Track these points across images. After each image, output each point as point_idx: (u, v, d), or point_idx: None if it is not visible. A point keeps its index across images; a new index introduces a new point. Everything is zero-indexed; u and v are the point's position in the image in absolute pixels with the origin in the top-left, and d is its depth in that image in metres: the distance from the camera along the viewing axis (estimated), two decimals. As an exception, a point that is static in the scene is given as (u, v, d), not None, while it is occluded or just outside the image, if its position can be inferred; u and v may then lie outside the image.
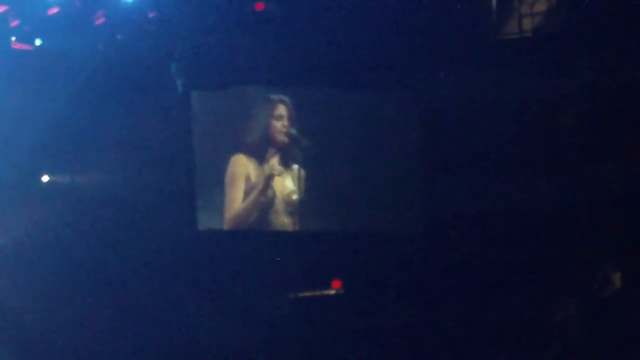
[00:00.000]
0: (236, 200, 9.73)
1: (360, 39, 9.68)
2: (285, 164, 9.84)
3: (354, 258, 9.72)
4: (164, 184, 9.53)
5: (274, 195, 9.77)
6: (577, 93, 9.56)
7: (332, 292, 9.71)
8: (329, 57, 9.70)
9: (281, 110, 9.83)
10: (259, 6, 9.36)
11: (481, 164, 9.73)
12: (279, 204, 9.80)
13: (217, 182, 9.71)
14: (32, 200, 9.25)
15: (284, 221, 9.80)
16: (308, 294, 9.65)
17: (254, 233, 9.76)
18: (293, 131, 9.75)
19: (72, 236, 9.21)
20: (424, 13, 9.51)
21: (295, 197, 9.81)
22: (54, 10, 8.92)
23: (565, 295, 9.32)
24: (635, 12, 9.15)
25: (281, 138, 9.80)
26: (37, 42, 9.04)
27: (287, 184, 9.85)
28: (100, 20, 9.15)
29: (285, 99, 9.83)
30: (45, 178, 9.45)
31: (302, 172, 9.79)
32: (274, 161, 9.80)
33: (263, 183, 9.76)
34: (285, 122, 9.80)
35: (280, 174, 9.76)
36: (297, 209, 9.82)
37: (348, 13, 9.59)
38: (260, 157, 9.78)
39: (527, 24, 9.85)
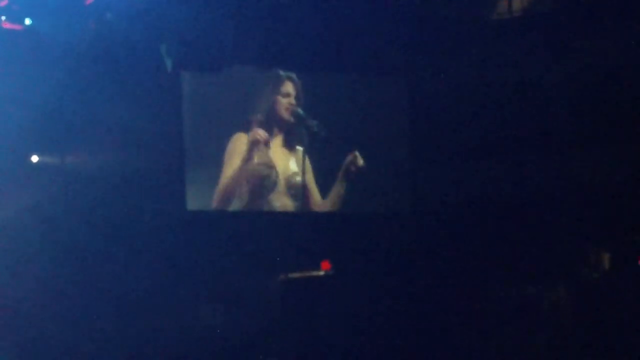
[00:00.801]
0: (227, 175, 9.65)
1: (351, 21, 9.64)
2: (289, 145, 9.73)
3: (344, 239, 9.80)
4: (155, 165, 9.49)
5: (277, 177, 9.70)
6: (568, 78, 9.60)
7: (322, 273, 9.75)
8: (323, 38, 9.66)
9: (289, 87, 9.72)
10: None
11: (471, 149, 9.80)
12: (282, 186, 9.73)
13: (210, 162, 9.67)
14: (22, 181, 9.18)
15: (286, 203, 9.75)
16: (298, 275, 9.69)
17: (243, 214, 9.76)
18: (300, 111, 9.64)
19: (61, 217, 9.21)
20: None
21: (298, 179, 9.73)
22: (44, -11, 8.79)
23: (553, 280, 9.45)
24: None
25: (286, 116, 9.68)
26: (27, 21, 8.87)
27: (290, 166, 9.76)
28: (90, 0, 9.03)
29: (294, 76, 9.70)
30: (34, 159, 9.39)
31: (306, 153, 9.67)
32: (259, 131, 9.62)
33: (247, 151, 9.60)
34: (292, 100, 9.70)
35: (265, 140, 9.60)
36: (300, 191, 9.74)
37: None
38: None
39: (517, 7, 9.85)
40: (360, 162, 9.81)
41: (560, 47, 9.50)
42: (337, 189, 9.85)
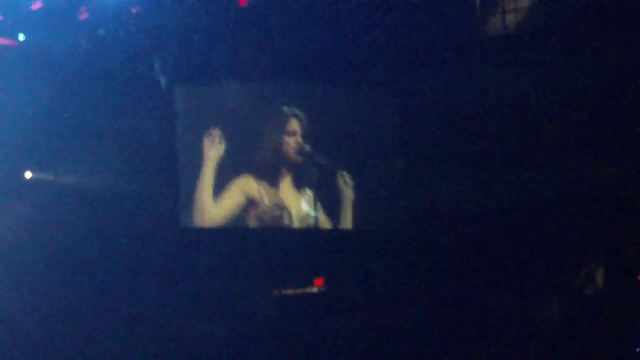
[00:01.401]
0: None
1: (344, 35, 9.71)
2: (299, 184, 9.54)
3: (337, 256, 9.74)
4: (148, 182, 9.49)
5: (290, 219, 9.56)
6: (558, 89, 9.60)
7: (315, 289, 9.68)
8: (313, 52, 9.70)
9: (294, 125, 9.54)
10: (243, 1, 9.34)
11: (465, 162, 9.77)
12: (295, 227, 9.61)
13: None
14: (15, 197, 9.20)
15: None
16: (292, 291, 9.62)
17: (235, 231, 9.71)
18: (307, 148, 9.43)
19: (54, 234, 9.19)
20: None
21: (312, 220, 9.57)
22: (37, 5, 8.92)
23: (548, 292, 9.36)
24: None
25: (295, 156, 9.49)
26: (21, 37, 9.03)
27: (302, 206, 9.58)
28: (83, 16, 9.15)
29: (298, 112, 9.53)
30: (28, 175, 9.41)
31: (318, 188, 9.50)
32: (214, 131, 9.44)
33: (256, 192, 9.47)
34: (298, 138, 9.49)
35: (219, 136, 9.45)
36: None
37: (331, 8, 9.61)
38: (270, 178, 9.55)
39: (511, 20, 9.89)
40: (349, 180, 9.67)
41: (552, 60, 9.49)
42: (345, 211, 9.76)
